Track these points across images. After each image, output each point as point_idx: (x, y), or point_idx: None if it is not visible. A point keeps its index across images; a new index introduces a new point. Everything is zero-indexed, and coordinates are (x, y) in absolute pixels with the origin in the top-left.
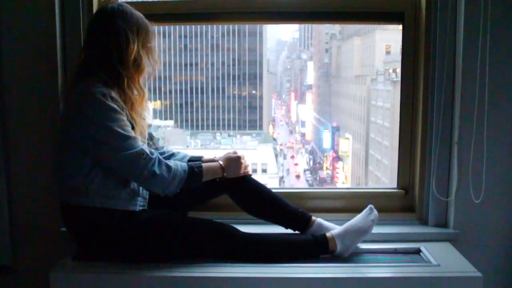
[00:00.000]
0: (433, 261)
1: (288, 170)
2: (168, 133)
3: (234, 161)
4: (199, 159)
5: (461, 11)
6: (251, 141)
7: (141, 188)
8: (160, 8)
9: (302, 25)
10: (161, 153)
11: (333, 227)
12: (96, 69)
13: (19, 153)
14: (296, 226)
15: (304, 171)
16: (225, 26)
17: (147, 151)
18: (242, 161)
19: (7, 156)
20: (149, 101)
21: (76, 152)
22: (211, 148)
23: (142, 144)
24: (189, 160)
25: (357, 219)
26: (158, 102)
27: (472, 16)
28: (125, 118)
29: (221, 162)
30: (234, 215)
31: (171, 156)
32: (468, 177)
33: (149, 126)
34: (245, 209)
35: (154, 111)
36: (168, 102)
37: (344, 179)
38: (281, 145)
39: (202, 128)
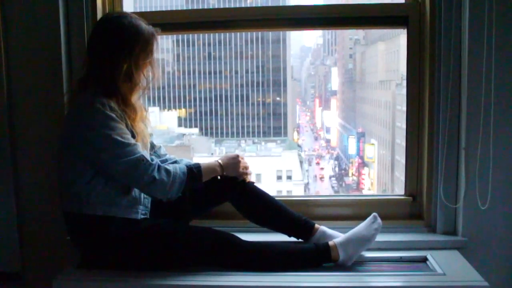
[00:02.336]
0: (439, 269)
1: (315, 176)
2: (193, 141)
3: (232, 159)
4: None
5: (466, 14)
6: (276, 148)
7: (142, 196)
8: (183, 17)
9: (326, 31)
10: (164, 161)
11: (336, 235)
12: (93, 81)
13: (27, 162)
14: (299, 234)
15: (330, 177)
16: (249, 33)
17: (147, 157)
18: (241, 159)
19: (15, 165)
20: (172, 109)
21: (77, 161)
22: None
23: (142, 150)
24: None
25: (360, 228)
26: (183, 110)
27: (476, 19)
28: (124, 127)
29: (219, 161)
30: (235, 223)
31: (173, 163)
32: (475, 184)
33: (151, 135)
34: (248, 217)
35: (179, 119)
36: (192, 110)
37: (370, 186)
38: (305, 150)
39: (227, 136)
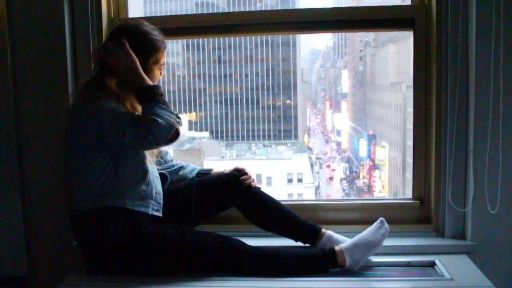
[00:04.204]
0: (447, 274)
1: (327, 179)
2: (204, 144)
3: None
4: (208, 172)
5: (473, 16)
6: (287, 151)
7: (153, 191)
8: (192, 22)
9: (336, 34)
10: (170, 166)
11: (343, 240)
12: (97, 84)
13: (33, 166)
14: (306, 239)
15: (341, 180)
16: (258, 37)
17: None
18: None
19: (22, 169)
20: (183, 113)
21: (86, 157)
22: (246, 158)
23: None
24: (199, 173)
25: (367, 232)
26: (193, 113)
27: (483, 21)
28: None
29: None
30: (240, 228)
31: (180, 169)
32: (484, 187)
33: None
34: (254, 222)
35: (190, 122)
36: (203, 114)
37: (381, 188)
38: (316, 154)
39: (237, 139)
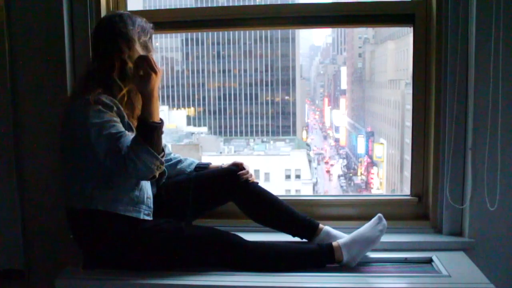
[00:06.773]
0: (444, 271)
1: (327, 172)
2: (202, 140)
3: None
4: (206, 166)
5: (473, 12)
6: (285, 147)
7: (145, 196)
8: (191, 15)
9: (335, 30)
10: (168, 160)
11: (341, 236)
12: (90, 79)
13: (31, 161)
14: (303, 234)
15: (339, 176)
16: (258, 32)
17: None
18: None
19: (20, 164)
20: (181, 108)
21: (78, 156)
22: (244, 154)
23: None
24: (196, 167)
25: (365, 228)
26: (192, 109)
27: (484, 17)
28: (113, 116)
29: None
30: (238, 222)
31: (178, 162)
32: (482, 184)
33: None
34: (252, 217)
35: (188, 118)
36: (201, 109)
37: (379, 185)
38: (315, 150)
39: (236, 135)
